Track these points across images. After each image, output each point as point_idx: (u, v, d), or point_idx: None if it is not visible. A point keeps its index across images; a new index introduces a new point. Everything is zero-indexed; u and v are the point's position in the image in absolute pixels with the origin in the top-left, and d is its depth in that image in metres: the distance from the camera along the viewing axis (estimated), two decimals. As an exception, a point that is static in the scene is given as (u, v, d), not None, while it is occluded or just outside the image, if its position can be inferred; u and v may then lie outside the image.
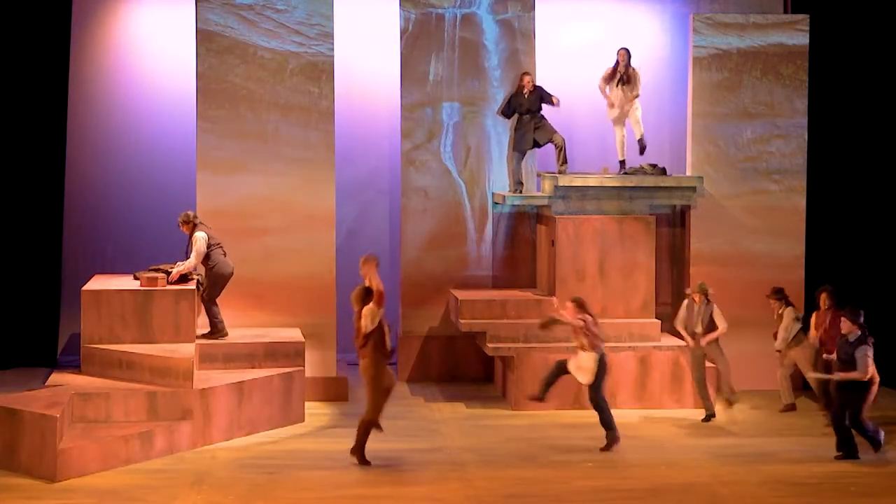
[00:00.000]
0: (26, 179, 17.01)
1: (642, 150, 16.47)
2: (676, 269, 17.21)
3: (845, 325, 13.29)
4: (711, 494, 12.00)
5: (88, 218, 17.45)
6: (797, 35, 16.89)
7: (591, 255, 16.06)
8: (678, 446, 13.79)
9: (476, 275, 17.06)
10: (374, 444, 13.54)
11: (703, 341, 14.81)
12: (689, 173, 16.93)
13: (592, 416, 15.13)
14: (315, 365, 15.73)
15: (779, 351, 15.34)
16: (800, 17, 17.00)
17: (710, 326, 14.81)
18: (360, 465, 12.82)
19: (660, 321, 15.94)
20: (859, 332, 13.20)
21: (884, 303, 17.25)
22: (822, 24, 17.10)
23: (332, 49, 16.13)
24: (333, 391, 15.80)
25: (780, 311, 15.25)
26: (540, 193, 16.58)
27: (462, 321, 15.89)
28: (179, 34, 17.22)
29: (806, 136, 16.97)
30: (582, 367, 13.70)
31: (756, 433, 14.42)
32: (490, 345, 15.67)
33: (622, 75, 16.27)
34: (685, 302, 15.08)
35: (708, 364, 15.04)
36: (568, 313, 13.79)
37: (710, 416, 14.88)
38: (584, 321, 13.57)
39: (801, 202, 16.96)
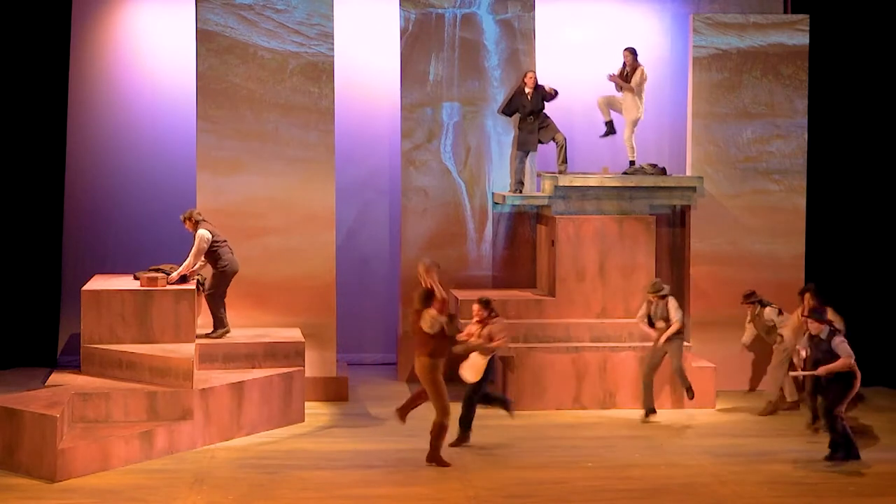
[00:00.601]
0: (26, 179, 17.00)
1: (606, 133, 16.59)
2: (676, 269, 17.21)
3: (813, 327, 13.20)
4: (711, 494, 12.00)
5: (88, 218, 17.44)
6: (797, 35, 16.90)
7: (591, 255, 16.06)
8: (678, 446, 13.79)
9: (476, 275, 17.05)
10: (374, 445, 13.57)
11: (661, 340, 14.83)
12: (689, 173, 16.93)
13: (592, 416, 15.17)
14: (315, 365, 15.74)
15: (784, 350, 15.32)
16: (800, 17, 17.00)
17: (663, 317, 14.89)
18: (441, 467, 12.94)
19: (660, 321, 15.96)
20: (828, 328, 13.13)
21: (884, 303, 17.26)
22: (822, 24, 17.10)
23: (332, 49, 16.14)
24: (333, 391, 15.80)
25: (755, 313, 15.33)
26: (540, 193, 16.58)
27: (462, 321, 15.85)
28: (179, 34, 17.22)
29: (806, 136, 16.98)
30: (474, 364, 13.54)
31: (756, 433, 14.41)
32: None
33: (627, 75, 16.31)
34: (646, 302, 15.12)
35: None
36: (475, 314, 13.74)
37: (650, 411, 14.89)
38: (491, 333, 13.57)
39: (801, 202, 16.96)
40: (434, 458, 12.98)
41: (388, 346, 17.66)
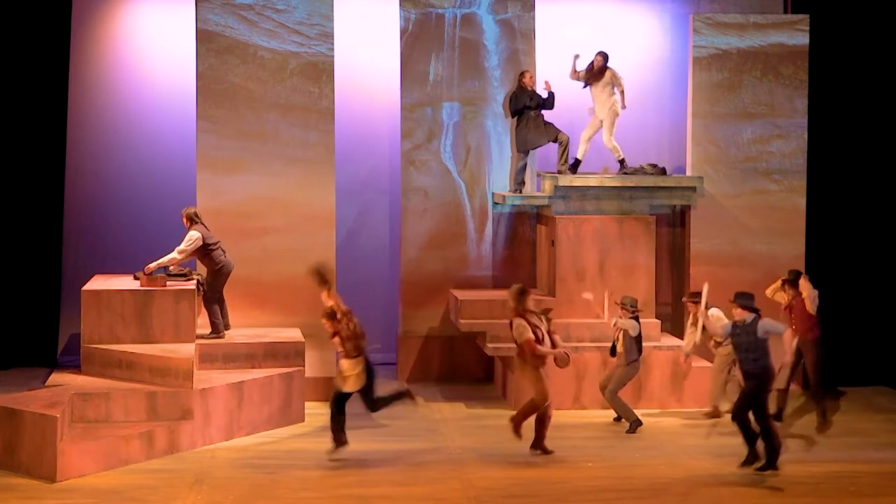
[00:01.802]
0: (26, 179, 17.00)
1: (622, 165, 16.48)
2: (676, 269, 17.23)
3: (738, 313, 12.57)
4: (711, 494, 12.00)
5: (88, 218, 17.43)
6: (797, 35, 16.91)
7: (591, 255, 16.06)
8: (678, 446, 13.79)
9: (476, 275, 17.05)
10: (374, 444, 13.56)
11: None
12: (689, 173, 16.94)
13: (592, 416, 15.17)
14: (315, 365, 15.73)
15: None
16: (800, 17, 17.01)
17: (624, 342, 14.45)
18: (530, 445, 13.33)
19: (659, 321, 15.95)
20: (754, 314, 12.57)
21: (884, 302, 17.26)
22: (822, 24, 17.11)
23: (332, 49, 16.14)
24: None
25: (696, 313, 14.40)
26: (540, 193, 16.58)
27: (462, 321, 15.90)
28: (179, 34, 17.21)
29: (806, 136, 16.98)
30: (350, 374, 13.13)
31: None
32: (490, 345, 15.67)
33: (591, 76, 16.27)
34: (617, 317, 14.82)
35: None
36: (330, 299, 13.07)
37: (635, 423, 14.46)
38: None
39: (801, 202, 16.97)
40: (517, 424, 13.33)
41: (388, 346, 17.65)
